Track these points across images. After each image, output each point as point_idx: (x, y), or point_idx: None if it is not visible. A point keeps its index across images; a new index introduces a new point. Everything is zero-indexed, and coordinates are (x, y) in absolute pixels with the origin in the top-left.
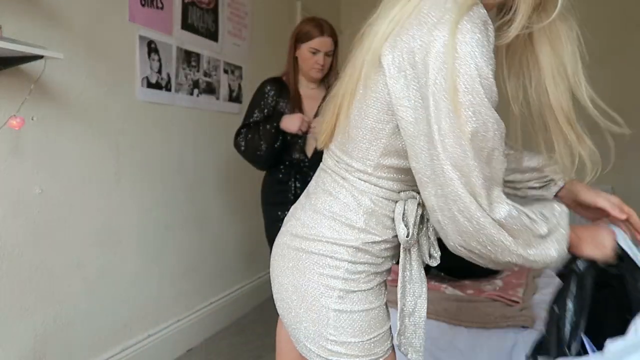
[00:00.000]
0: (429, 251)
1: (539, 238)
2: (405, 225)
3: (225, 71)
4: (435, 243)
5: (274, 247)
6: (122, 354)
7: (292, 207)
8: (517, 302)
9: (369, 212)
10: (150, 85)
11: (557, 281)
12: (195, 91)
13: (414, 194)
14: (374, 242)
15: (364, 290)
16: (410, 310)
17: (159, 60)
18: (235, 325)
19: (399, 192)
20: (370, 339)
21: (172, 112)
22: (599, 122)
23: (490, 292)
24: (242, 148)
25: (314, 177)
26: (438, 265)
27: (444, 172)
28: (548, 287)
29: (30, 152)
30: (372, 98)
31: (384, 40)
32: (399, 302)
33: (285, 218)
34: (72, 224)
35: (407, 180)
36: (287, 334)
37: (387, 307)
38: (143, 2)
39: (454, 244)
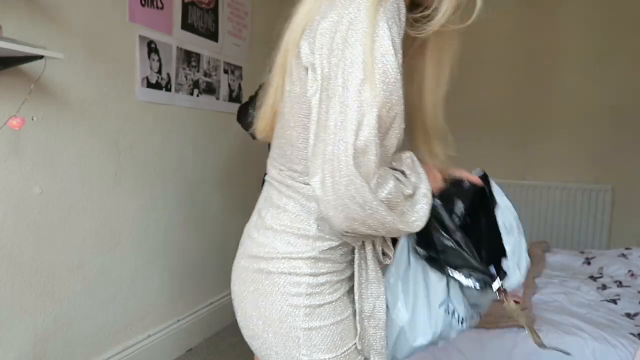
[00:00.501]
0: (382, 249)
1: (409, 200)
2: None
3: (225, 71)
4: (389, 242)
5: (232, 271)
6: (122, 354)
7: (246, 226)
8: (517, 302)
9: (320, 217)
10: (150, 85)
11: (557, 281)
12: (195, 91)
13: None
14: (332, 248)
15: (331, 302)
16: (369, 312)
17: (159, 60)
18: (235, 325)
19: None
20: (345, 351)
21: (172, 112)
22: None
23: None
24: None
25: (262, 191)
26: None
27: (339, 154)
28: (548, 287)
29: (30, 152)
30: (298, 94)
31: (300, 32)
32: (356, 305)
33: (241, 239)
34: (72, 224)
35: None
36: None
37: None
38: (143, 2)
39: (339, 230)
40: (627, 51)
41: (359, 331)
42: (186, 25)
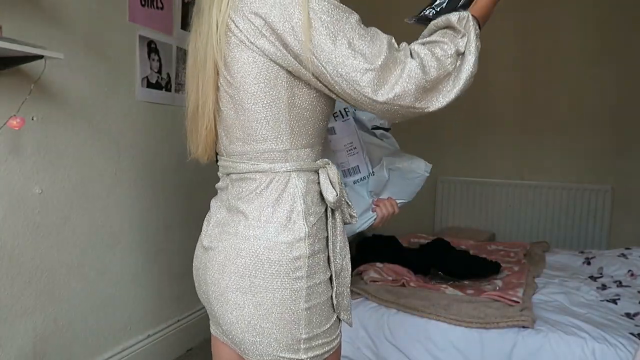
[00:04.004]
0: (350, 212)
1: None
2: (333, 188)
3: None
4: (352, 204)
5: (205, 268)
6: (122, 354)
7: (214, 223)
8: (517, 302)
9: (303, 192)
10: (150, 85)
11: (557, 281)
12: None
13: (327, 160)
14: (318, 221)
15: (324, 280)
16: (339, 269)
17: (159, 60)
18: None
19: (315, 161)
20: (332, 323)
21: (172, 112)
22: None
23: (490, 292)
24: None
25: (222, 195)
26: (438, 265)
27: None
28: (548, 287)
29: (30, 152)
30: (251, 75)
31: (226, 16)
32: (331, 266)
33: (210, 234)
34: (72, 224)
35: (316, 144)
36: (229, 355)
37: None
38: (143, 2)
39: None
40: (627, 51)
41: (335, 289)
42: (186, 25)
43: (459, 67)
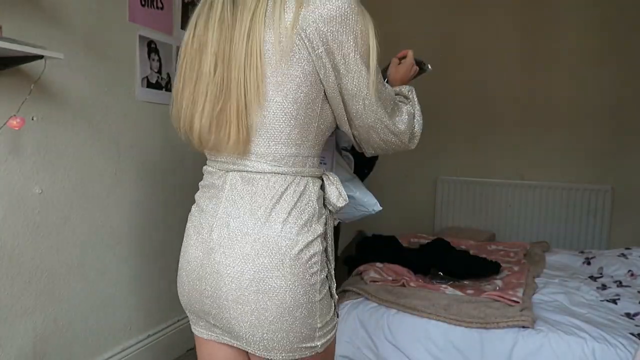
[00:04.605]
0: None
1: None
2: (340, 194)
3: None
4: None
5: (222, 275)
6: (122, 354)
7: (217, 235)
8: (517, 302)
9: (317, 196)
10: (150, 85)
11: (557, 281)
12: None
13: (324, 167)
14: (326, 221)
15: (326, 273)
16: (331, 254)
17: (159, 60)
18: None
19: (319, 169)
20: (333, 309)
21: None
22: None
23: (490, 292)
24: None
25: (219, 194)
26: (438, 265)
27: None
28: (548, 287)
29: (30, 152)
30: (297, 78)
31: (297, 20)
32: (330, 259)
33: (216, 256)
34: (72, 224)
35: (317, 154)
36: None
37: None
38: (143, 2)
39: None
40: (628, 51)
41: (331, 271)
42: (186, 25)
43: (414, 124)
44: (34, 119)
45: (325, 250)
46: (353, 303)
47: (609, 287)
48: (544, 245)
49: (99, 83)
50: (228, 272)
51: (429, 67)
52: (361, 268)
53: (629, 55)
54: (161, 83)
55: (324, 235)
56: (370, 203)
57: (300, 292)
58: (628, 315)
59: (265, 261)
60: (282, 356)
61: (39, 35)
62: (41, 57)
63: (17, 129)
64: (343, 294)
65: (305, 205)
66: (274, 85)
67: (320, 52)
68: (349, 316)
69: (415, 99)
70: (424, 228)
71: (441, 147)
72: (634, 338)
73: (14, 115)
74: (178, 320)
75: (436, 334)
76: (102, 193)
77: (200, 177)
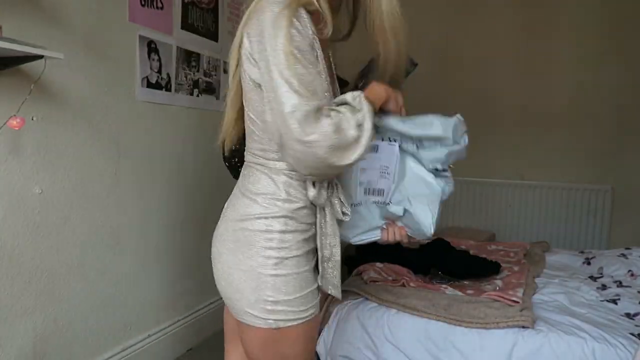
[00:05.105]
0: (342, 209)
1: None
2: (314, 187)
3: (225, 71)
4: (346, 203)
5: (213, 237)
6: (122, 354)
7: (228, 200)
8: (517, 302)
9: (287, 184)
10: (150, 85)
11: (557, 281)
12: (195, 91)
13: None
14: (298, 209)
15: (295, 257)
16: (328, 256)
17: (159, 60)
18: None
19: (279, 162)
20: (301, 295)
21: (172, 112)
22: None
23: (490, 292)
24: None
25: (241, 174)
26: (438, 265)
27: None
28: (548, 287)
29: (30, 152)
30: (253, 83)
31: (240, 33)
32: (319, 252)
33: (223, 210)
34: (72, 224)
35: (272, 150)
36: (233, 321)
37: (314, 272)
38: (143, 2)
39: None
40: (628, 51)
41: (320, 272)
42: (186, 25)
43: (358, 136)
44: (34, 119)
45: (290, 232)
46: (353, 303)
47: (609, 287)
48: (544, 245)
49: (99, 83)
50: (216, 237)
51: (415, 65)
52: (361, 268)
53: (629, 55)
54: (161, 83)
55: (290, 219)
56: (425, 223)
57: (253, 261)
58: (628, 315)
59: (236, 229)
60: (239, 318)
61: (39, 35)
62: (41, 57)
63: (17, 129)
64: (343, 294)
65: (271, 189)
66: None
67: None
68: (349, 316)
69: (365, 108)
70: None
71: None
72: (634, 338)
73: (14, 115)
74: (178, 320)
75: (436, 334)
76: (102, 193)
77: (199, 176)
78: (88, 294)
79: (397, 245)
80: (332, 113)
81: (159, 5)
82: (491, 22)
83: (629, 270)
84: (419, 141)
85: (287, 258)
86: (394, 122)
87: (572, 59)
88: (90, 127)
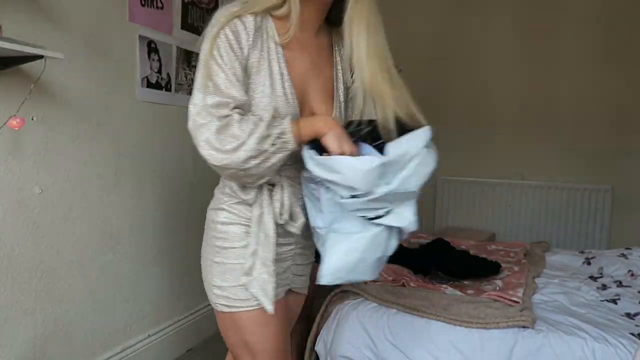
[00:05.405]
0: (281, 212)
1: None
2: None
3: None
4: (297, 209)
5: None
6: (122, 354)
7: None
8: (517, 302)
9: (230, 185)
10: (150, 85)
11: (557, 281)
12: None
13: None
14: (236, 203)
15: (233, 248)
16: (263, 261)
17: (159, 60)
18: None
19: None
20: (240, 285)
21: (172, 112)
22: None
23: (490, 292)
24: None
25: None
26: (438, 265)
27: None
28: (548, 287)
29: (30, 152)
30: None
31: None
32: (253, 252)
33: None
34: (72, 224)
35: None
36: None
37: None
38: (143, 2)
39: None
40: (628, 51)
41: (254, 274)
42: (186, 25)
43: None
44: (34, 119)
45: (230, 224)
46: (353, 303)
47: (609, 287)
48: (544, 245)
49: (99, 83)
50: None
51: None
52: None
53: (630, 55)
54: (161, 83)
55: (230, 213)
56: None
57: (206, 247)
58: (628, 315)
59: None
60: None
61: (39, 35)
62: (41, 57)
63: (17, 129)
64: (343, 294)
65: (225, 188)
66: None
67: None
68: (349, 316)
69: (262, 125)
70: (424, 228)
71: (441, 147)
72: (634, 338)
73: (14, 115)
74: (178, 320)
75: (436, 334)
76: (102, 193)
77: (199, 176)
78: (88, 294)
79: (397, 245)
80: (232, 116)
81: (159, 5)
82: (492, 22)
83: (629, 270)
84: (323, 182)
85: (225, 248)
86: (307, 155)
87: (572, 59)
88: (90, 127)
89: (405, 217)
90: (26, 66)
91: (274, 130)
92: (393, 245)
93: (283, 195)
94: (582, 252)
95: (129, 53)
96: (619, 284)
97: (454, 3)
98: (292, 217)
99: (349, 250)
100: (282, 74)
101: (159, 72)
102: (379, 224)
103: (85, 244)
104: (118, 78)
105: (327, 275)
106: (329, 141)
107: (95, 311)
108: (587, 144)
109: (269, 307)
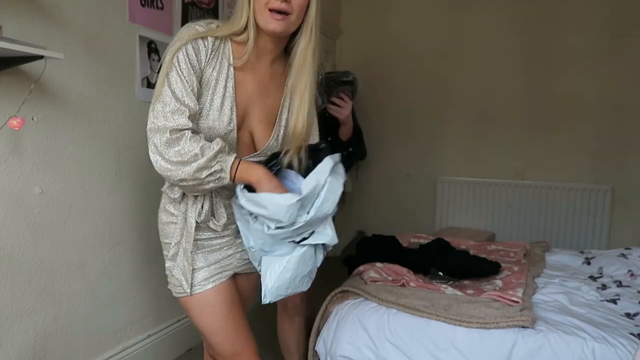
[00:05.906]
0: (210, 215)
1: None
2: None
3: None
4: (221, 210)
5: None
6: (122, 354)
7: None
8: (517, 302)
9: (176, 190)
10: (150, 85)
11: (557, 281)
12: None
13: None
14: (171, 202)
15: (169, 244)
16: (174, 253)
17: (159, 60)
18: None
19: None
20: (179, 274)
21: None
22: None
23: (490, 292)
24: None
25: None
26: (438, 265)
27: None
28: (548, 287)
29: (30, 152)
30: None
31: None
32: (177, 246)
33: None
34: (72, 224)
35: None
36: None
37: (196, 255)
38: (143, 2)
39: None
40: (628, 50)
41: (177, 261)
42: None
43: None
44: (34, 119)
45: (166, 224)
46: (353, 303)
47: (609, 287)
48: (544, 245)
49: (99, 83)
50: None
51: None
52: (361, 268)
53: (629, 55)
54: None
55: (164, 213)
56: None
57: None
58: (628, 315)
59: None
60: None
61: (39, 35)
62: (41, 57)
63: (17, 129)
64: (343, 294)
65: (176, 193)
66: None
67: None
68: (348, 316)
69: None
70: (424, 228)
71: (441, 147)
72: (634, 338)
73: (14, 115)
74: (178, 320)
75: (436, 334)
76: (102, 193)
77: None
78: (88, 294)
79: (397, 245)
80: (184, 133)
81: (159, 5)
82: (491, 21)
83: (629, 270)
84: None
85: (165, 243)
86: (238, 190)
87: (572, 59)
88: (90, 127)
89: (326, 234)
90: (26, 66)
91: (215, 165)
92: (320, 258)
93: (204, 199)
94: (582, 252)
95: (129, 53)
96: (619, 284)
97: (454, 1)
98: (214, 216)
99: (283, 270)
100: (227, 90)
101: (159, 72)
102: (305, 244)
103: (85, 244)
104: (118, 78)
105: (269, 295)
106: (265, 189)
107: (95, 311)
108: (587, 144)
109: (188, 290)
